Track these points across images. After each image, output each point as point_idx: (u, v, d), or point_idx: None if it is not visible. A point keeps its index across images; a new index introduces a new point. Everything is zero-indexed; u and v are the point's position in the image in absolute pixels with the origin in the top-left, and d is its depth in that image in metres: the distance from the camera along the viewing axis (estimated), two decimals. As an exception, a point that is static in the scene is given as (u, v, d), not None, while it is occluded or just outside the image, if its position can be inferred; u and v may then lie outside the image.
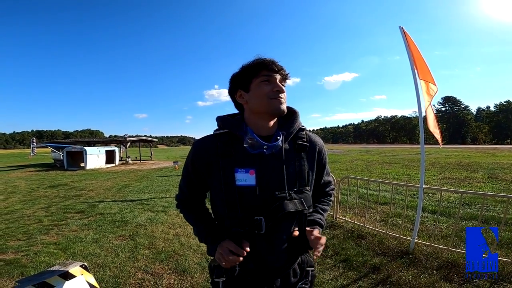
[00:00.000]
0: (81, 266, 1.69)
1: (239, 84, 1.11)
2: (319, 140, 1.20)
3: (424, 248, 3.40)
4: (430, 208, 5.58)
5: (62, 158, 19.37)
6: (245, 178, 1.03)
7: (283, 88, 1.07)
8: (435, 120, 3.55)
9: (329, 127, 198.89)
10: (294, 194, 1.05)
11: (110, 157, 21.02)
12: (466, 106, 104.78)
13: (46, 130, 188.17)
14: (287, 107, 1.15)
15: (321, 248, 1.07)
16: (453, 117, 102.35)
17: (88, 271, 1.74)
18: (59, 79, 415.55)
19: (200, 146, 1.12)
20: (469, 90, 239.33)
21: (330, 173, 1.36)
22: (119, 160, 23.14)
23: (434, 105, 3.63)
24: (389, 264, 3.11)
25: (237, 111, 1.21)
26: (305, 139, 1.14)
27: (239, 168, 1.04)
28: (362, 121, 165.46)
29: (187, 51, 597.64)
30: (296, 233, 1.09)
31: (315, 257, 1.11)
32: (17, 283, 1.54)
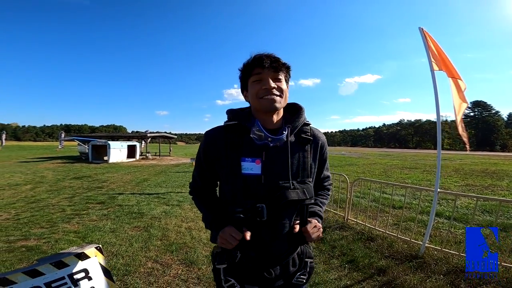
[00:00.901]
0: (96, 248, 1.82)
1: (242, 85, 1.19)
2: (322, 136, 1.26)
3: (435, 253, 3.32)
4: (447, 214, 5.40)
5: (87, 151, 20.23)
6: (251, 167, 1.09)
7: (272, 85, 1.08)
8: (462, 122, 3.45)
9: (348, 129, 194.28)
10: (297, 184, 1.11)
11: (131, 151, 21.72)
12: (497, 112, 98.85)
13: (74, 124, 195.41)
14: (293, 103, 1.23)
15: (314, 230, 1.13)
16: (482, 122, 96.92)
17: (102, 253, 1.87)
18: (88, 76, 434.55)
19: (210, 136, 1.19)
20: (502, 94, 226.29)
21: (329, 169, 1.41)
22: (140, 155, 23.85)
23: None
24: (396, 267, 3.08)
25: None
26: (309, 133, 1.20)
27: (245, 157, 1.10)
28: (384, 124, 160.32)
29: (207, 50, 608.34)
30: (297, 228, 1.14)
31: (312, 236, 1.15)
32: (36, 261, 1.69)
